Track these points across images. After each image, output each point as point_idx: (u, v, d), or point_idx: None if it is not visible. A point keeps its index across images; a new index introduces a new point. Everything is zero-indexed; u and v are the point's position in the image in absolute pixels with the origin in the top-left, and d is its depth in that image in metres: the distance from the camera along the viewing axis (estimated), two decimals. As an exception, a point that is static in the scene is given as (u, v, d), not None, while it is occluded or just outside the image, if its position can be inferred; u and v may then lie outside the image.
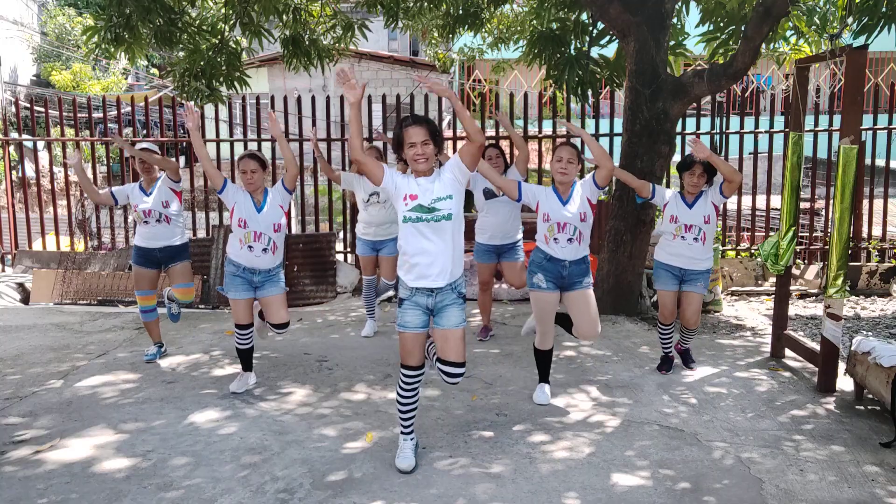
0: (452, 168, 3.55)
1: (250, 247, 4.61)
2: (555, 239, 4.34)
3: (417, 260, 3.53)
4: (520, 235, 5.79)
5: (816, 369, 4.91)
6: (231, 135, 9.31)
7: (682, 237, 4.88)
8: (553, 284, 4.39)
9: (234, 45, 6.99)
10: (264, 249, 4.62)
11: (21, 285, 8.01)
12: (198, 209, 9.97)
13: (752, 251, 8.44)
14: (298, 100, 9.35)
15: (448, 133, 8.95)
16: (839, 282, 4.62)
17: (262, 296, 4.74)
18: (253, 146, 8.79)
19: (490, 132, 8.95)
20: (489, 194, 5.63)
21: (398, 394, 3.68)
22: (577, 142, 5.27)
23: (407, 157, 3.54)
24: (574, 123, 5.29)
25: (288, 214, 4.81)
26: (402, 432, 3.75)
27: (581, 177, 5.57)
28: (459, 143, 8.48)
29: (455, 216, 3.52)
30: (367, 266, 6.19)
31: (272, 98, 9.82)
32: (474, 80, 18.31)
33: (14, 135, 10.31)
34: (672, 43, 6.70)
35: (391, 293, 7.76)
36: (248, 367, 4.89)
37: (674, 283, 5.00)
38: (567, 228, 4.31)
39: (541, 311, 4.45)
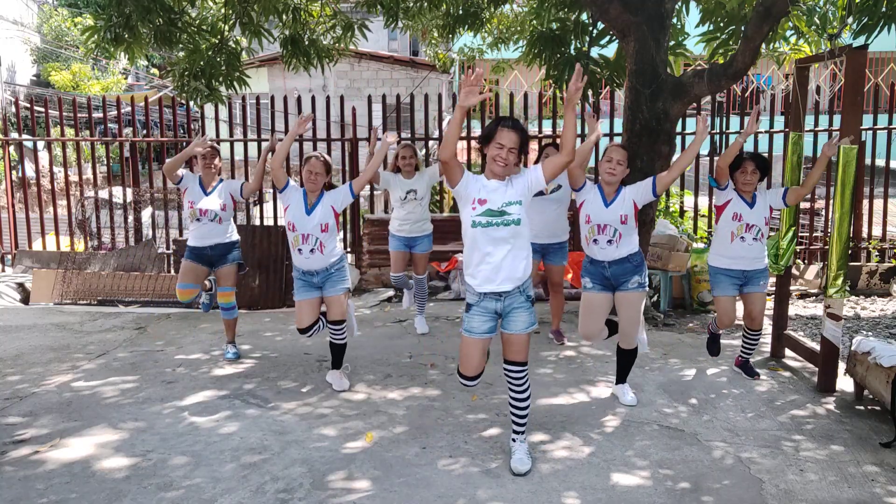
0: (529, 177, 3.57)
1: (299, 249, 4.69)
2: (594, 241, 4.35)
3: (485, 264, 3.53)
4: (566, 236, 5.72)
5: (816, 369, 4.91)
6: (231, 135, 9.30)
7: (742, 237, 4.74)
8: (600, 285, 4.41)
9: (233, 45, 6.98)
10: (311, 250, 4.67)
11: (21, 285, 8.01)
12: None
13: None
14: (298, 100, 9.36)
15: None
16: (839, 282, 4.62)
17: (325, 295, 4.82)
18: (253, 146, 8.80)
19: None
20: (538, 192, 5.59)
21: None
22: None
23: (489, 154, 3.55)
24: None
25: (337, 216, 4.81)
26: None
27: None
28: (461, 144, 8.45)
29: (523, 221, 3.53)
30: (397, 262, 6.16)
31: (272, 98, 9.82)
32: (474, 80, 18.28)
33: (14, 135, 10.31)
34: (672, 43, 6.69)
35: (391, 293, 7.78)
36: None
37: (735, 289, 4.87)
38: (607, 230, 4.31)
39: (585, 311, 4.48)
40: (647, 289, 4.43)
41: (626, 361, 4.61)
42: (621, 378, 4.66)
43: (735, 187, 4.80)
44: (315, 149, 8.58)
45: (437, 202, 8.70)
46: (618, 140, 7.87)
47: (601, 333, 4.57)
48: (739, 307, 5.05)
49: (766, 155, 6.76)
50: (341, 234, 9.02)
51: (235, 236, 5.58)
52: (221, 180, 5.51)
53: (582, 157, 4.33)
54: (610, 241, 4.31)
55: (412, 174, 5.97)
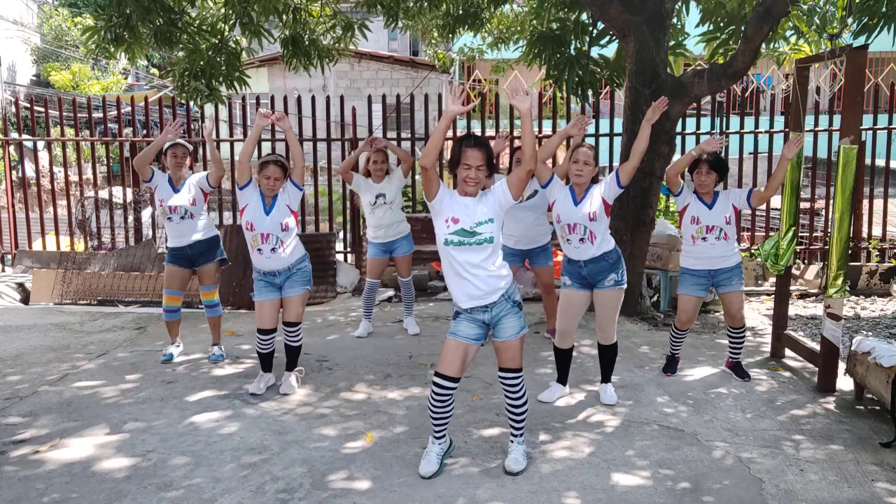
0: (497, 193, 3.57)
1: (259, 249, 4.65)
2: (567, 240, 4.39)
3: (464, 283, 3.52)
4: (548, 239, 5.71)
5: (816, 369, 4.91)
6: (231, 135, 9.30)
7: (704, 238, 4.77)
8: (578, 284, 4.44)
9: (233, 45, 6.98)
10: (273, 249, 4.63)
11: (21, 285, 8.01)
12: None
13: (752, 251, 8.44)
14: (298, 100, 9.35)
15: (447, 133, 8.95)
16: (839, 282, 4.62)
17: (284, 296, 4.76)
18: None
19: (490, 132, 8.95)
20: None
21: (430, 404, 3.62)
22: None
23: (459, 176, 3.55)
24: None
25: (295, 214, 4.80)
26: (433, 434, 3.71)
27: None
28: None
29: (496, 239, 3.53)
30: (374, 269, 6.14)
31: (272, 98, 9.82)
32: (474, 80, 18.31)
33: (14, 135, 10.31)
34: (672, 43, 6.69)
35: (391, 293, 7.78)
36: (268, 368, 4.88)
37: (701, 289, 4.88)
38: (577, 229, 4.34)
39: (563, 308, 4.50)
40: (625, 286, 4.45)
41: (607, 358, 4.62)
42: (606, 377, 4.67)
43: (694, 189, 4.86)
44: (315, 148, 8.58)
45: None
46: (618, 140, 7.87)
47: (573, 335, 4.59)
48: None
49: (765, 154, 6.80)
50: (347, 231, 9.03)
51: (214, 232, 5.53)
52: (189, 175, 5.47)
53: (547, 153, 4.35)
54: (582, 240, 4.34)
55: (382, 179, 5.96)
